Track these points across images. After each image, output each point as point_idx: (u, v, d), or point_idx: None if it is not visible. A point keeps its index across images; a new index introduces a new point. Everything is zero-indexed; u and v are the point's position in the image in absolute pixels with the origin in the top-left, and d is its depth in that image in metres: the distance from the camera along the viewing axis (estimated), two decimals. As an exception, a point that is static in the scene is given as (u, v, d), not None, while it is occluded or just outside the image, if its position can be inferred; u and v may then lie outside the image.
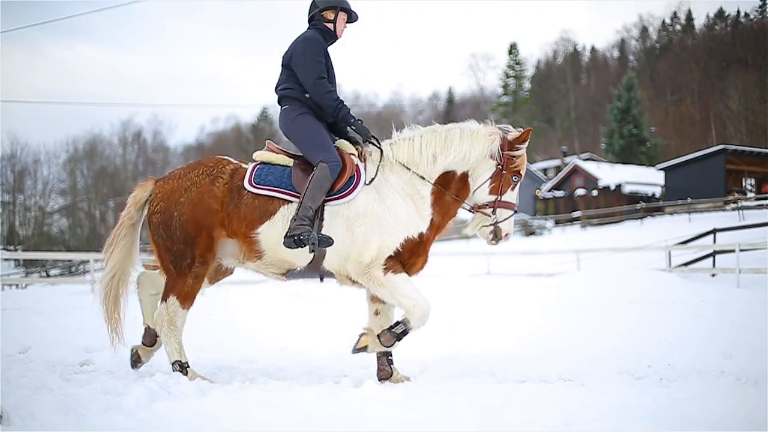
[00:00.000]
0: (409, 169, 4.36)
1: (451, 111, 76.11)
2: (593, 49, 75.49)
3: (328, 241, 4.11)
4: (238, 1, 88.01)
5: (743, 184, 38.99)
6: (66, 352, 5.33)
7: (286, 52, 4.55)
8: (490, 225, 4.39)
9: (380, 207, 4.24)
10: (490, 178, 4.38)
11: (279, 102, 4.59)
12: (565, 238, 31.61)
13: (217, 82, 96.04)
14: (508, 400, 3.52)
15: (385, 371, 4.41)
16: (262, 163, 4.41)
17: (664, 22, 70.25)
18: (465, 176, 4.41)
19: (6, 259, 29.38)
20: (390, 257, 4.19)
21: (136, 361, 4.56)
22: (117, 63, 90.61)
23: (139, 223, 4.52)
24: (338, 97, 4.38)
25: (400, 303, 4.23)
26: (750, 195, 36.29)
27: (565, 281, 13.79)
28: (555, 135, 66.97)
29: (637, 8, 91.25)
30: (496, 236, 4.41)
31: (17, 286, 21.43)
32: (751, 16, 61.27)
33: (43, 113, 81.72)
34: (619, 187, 42.87)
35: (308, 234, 4.05)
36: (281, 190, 4.26)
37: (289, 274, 4.37)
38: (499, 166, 4.37)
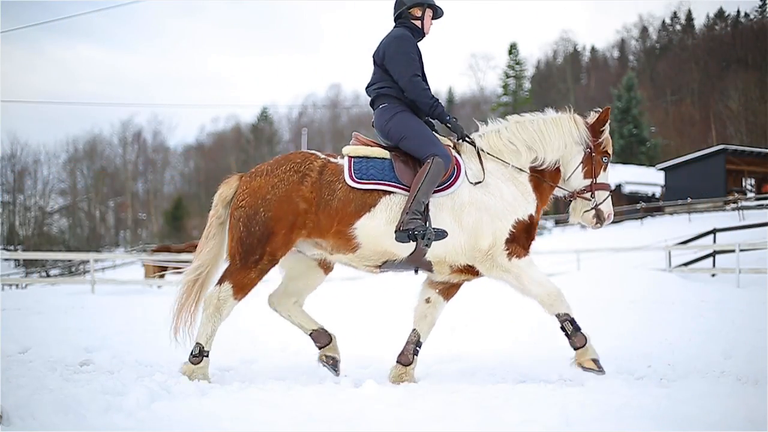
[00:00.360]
0: (502, 160, 4.41)
1: (451, 111, 75.86)
2: (593, 49, 75.48)
3: (443, 234, 4.12)
4: (238, 1, 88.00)
5: (743, 184, 39.01)
6: (66, 352, 5.33)
7: (377, 50, 4.55)
8: (591, 209, 4.49)
9: (485, 194, 4.27)
10: (582, 162, 4.50)
11: (373, 101, 4.58)
12: (565, 238, 31.59)
13: (217, 82, 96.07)
14: (508, 400, 3.52)
15: (406, 358, 4.46)
16: (358, 157, 4.35)
17: (664, 22, 70.26)
18: (556, 163, 4.50)
19: (6, 259, 29.40)
20: (510, 241, 4.21)
21: (333, 365, 4.51)
22: (117, 63, 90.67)
23: (227, 221, 4.44)
24: (433, 95, 4.40)
25: (528, 290, 4.25)
26: (750, 195, 36.29)
27: (565, 281, 13.77)
28: (555, 135, 66.82)
29: (637, 8, 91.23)
30: (600, 219, 4.52)
31: (17, 286, 21.44)
32: (751, 16, 61.28)
33: (43, 113, 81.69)
34: (619, 187, 42.86)
35: (423, 228, 4.05)
36: (386, 182, 4.23)
37: (385, 266, 4.35)
38: (587, 150, 4.48)
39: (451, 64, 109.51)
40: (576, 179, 4.52)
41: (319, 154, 4.42)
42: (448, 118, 4.42)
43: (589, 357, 4.25)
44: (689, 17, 68.40)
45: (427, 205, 4.16)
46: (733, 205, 30.60)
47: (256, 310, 10.12)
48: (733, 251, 14.68)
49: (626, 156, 49.58)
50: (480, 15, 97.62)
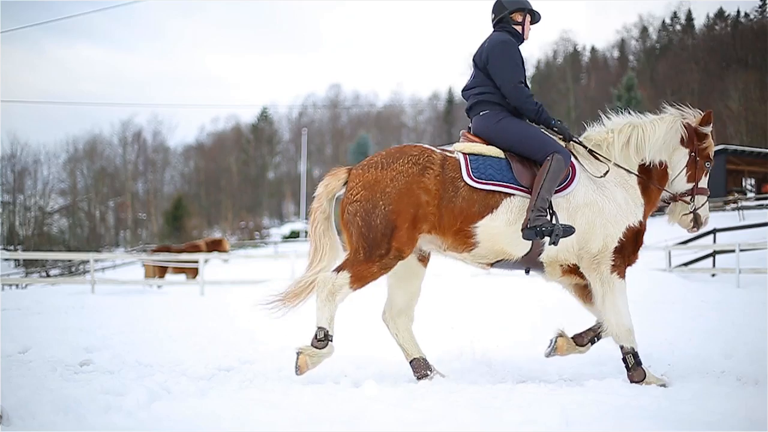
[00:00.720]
0: (611, 162, 4.39)
1: (451, 111, 76.09)
2: (593, 49, 75.46)
3: (570, 230, 4.11)
4: (238, 1, 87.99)
5: (743, 184, 38.99)
6: (66, 352, 5.33)
7: (479, 53, 4.51)
8: (690, 213, 4.55)
9: (600, 197, 4.27)
10: (686, 166, 4.52)
11: (473, 106, 4.53)
12: (565, 238, 31.50)
13: (217, 82, 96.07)
14: (508, 400, 3.52)
15: (582, 339, 4.49)
16: (473, 154, 4.30)
17: (664, 22, 70.25)
18: (663, 165, 4.50)
19: (6, 259, 29.39)
20: (617, 250, 4.23)
21: (420, 376, 4.36)
22: (117, 63, 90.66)
23: (332, 215, 4.37)
24: (537, 101, 4.38)
25: (603, 311, 4.26)
26: (750, 195, 36.27)
27: (565, 281, 13.76)
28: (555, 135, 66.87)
29: (637, 8, 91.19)
30: (697, 222, 4.59)
31: (17, 286, 21.44)
32: (751, 16, 61.28)
33: (43, 113, 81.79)
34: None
35: (549, 225, 4.03)
36: (505, 184, 4.20)
37: (497, 264, 4.35)
38: (692, 154, 4.51)
39: (451, 64, 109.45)
40: (680, 182, 4.54)
41: (434, 147, 4.36)
42: (553, 121, 4.40)
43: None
44: (689, 17, 68.40)
45: (551, 202, 4.14)
46: (733, 205, 30.59)
47: (256, 310, 10.13)
48: (733, 251, 14.68)
49: (626, 156, 49.56)
50: (480, 15, 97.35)
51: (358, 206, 4.13)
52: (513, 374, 4.51)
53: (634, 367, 4.18)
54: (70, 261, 32.21)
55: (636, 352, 4.20)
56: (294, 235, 51.62)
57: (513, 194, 4.19)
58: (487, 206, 4.15)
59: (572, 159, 4.35)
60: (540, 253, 4.24)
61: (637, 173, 4.42)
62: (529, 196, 4.19)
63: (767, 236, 16.31)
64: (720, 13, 64.29)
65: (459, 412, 3.23)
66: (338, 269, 4.14)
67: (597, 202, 4.25)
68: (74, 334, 6.74)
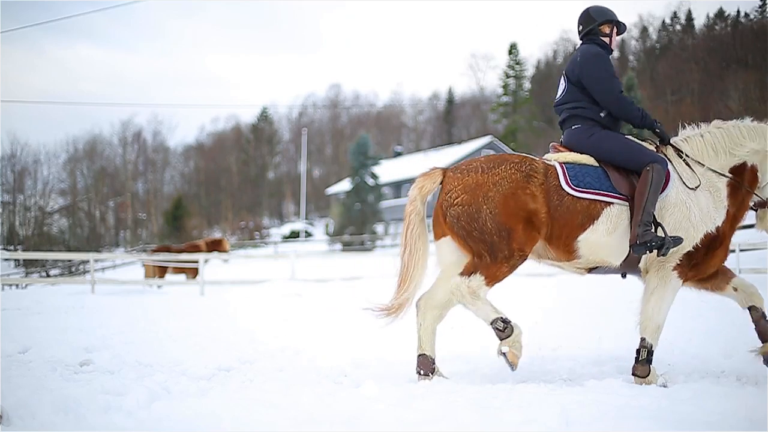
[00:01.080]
0: (703, 164, 4.41)
1: (451, 111, 76.10)
2: (593, 49, 75.31)
3: (679, 241, 4.13)
4: (238, 1, 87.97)
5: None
6: (66, 352, 5.33)
7: (572, 68, 4.55)
8: None
9: (689, 199, 4.29)
10: None
11: (565, 120, 4.58)
12: (565, 238, 31.50)
13: (217, 82, 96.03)
14: (508, 400, 3.52)
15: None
16: (568, 163, 4.31)
17: (664, 22, 70.24)
18: (754, 169, 4.50)
19: (6, 259, 29.38)
20: (688, 256, 4.24)
21: (422, 372, 4.33)
22: (117, 63, 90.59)
23: (425, 216, 4.35)
24: (639, 107, 4.44)
25: (647, 300, 4.31)
26: (750, 195, 36.21)
27: (565, 281, 13.77)
28: (555, 135, 66.87)
29: (637, 8, 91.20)
30: None
31: (17, 286, 21.43)
32: (751, 16, 61.26)
33: (43, 113, 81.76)
34: (619, 187, 42.90)
35: (659, 239, 4.05)
36: (605, 193, 4.21)
37: (595, 270, 4.38)
38: None
39: (451, 64, 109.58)
40: None
41: (533, 156, 4.37)
42: (656, 124, 4.46)
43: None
44: (689, 17, 68.40)
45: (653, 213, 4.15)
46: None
47: (256, 310, 10.14)
48: (733, 251, 14.68)
49: (626, 156, 49.61)
50: (480, 15, 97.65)
51: (459, 210, 4.11)
52: (513, 374, 4.51)
53: (642, 362, 4.19)
54: (70, 261, 32.19)
55: (652, 351, 4.22)
56: (294, 235, 51.65)
57: (612, 203, 4.21)
58: (589, 216, 4.16)
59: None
60: (639, 260, 4.27)
61: (728, 175, 4.43)
62: (626, 203, 4.21)
63: (767, 236, 16.30)
64: (720, 13, 64.28)
65: (459, 412, 3.23)
66: (467, 273, 4.09)
67: (685, 203, 4.28)
68: (74, 334, 6.74)
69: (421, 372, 4.32)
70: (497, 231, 4.04)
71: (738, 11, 62.23)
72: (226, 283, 18.19)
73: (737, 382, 4.12)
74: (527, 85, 68.81)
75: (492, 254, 4.06)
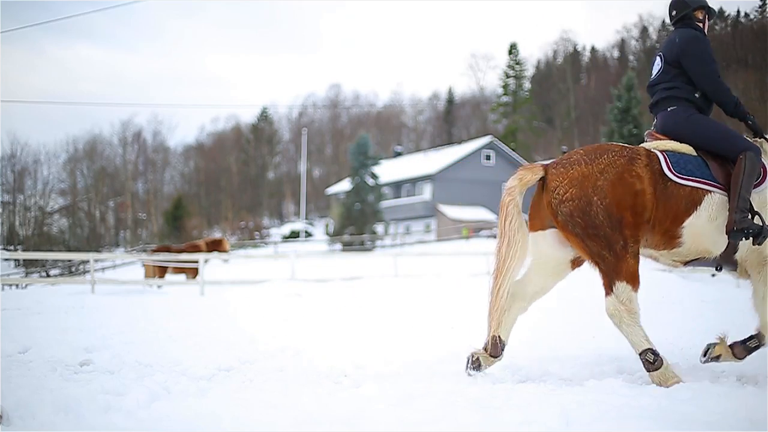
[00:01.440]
0: None
1: (451, 111, 76.08)
2: (593, 49, 75.48)
3: None
4: (238, 1, 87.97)
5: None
6: (66, 352, 5.32)
7: (670, 49, 4.52)
8: None
9: None
10: None
11: (659, 101, 4.55)
12: (565, 238, 31.45)
13: (217, 82, 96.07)
14: (508, 400, 3.52)
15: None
16: (668, 151, 4.28)
17: (664, 22, 70.15)
18: None
19: (6, 259, 29.38)
20: None
21: (476, 367, 4.35)
22: (117, 63, 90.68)
23: (521, 209, 4.31)
24: (735, 95, 4.43)
25: (765, 306, 4.26)
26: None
27: (565, 281, 13.76)
28: (555, 135, 66.94)
29: (637, 8, 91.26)
30: None
31: (17, 286, 21.42)
32: (751, 16, 61.27)
33: (43, 113, 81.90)
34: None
35: (757, 226, 4.03)
36: (705, 181, 4.18)
37: (692, 262, 4.36)
38: None
39: (451, 64, 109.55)
40: None
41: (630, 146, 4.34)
42: (748, 116, 4.45)
43: (724, 354, 4.30)
44: (689, 17, 68.27)
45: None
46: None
47: (256, 310, 10.14)
48: (733, 251, 14.67)
49: (626, 156, 49.60)
50: (480, 15, 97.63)
51: (571, 205, 4.05)
52: (513, 374, 4.51)
53: (742, 350, 4.29)
54: (70, 261, 32.20)
55: (762, 346, 4.26)
56: (294, 235, 51.66)
57: (712, 191, 4.18)
58: (692, 203, 4.13)
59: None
60: (735, 251, 4.24)
61: None
62: (724, 193, 4.19)
63: (767, 236, 16.29)
64: (720, 13, 64.26)
65: (459, 412, 3.23)
66: (608, 290, 4.06)
67: None
68: (74, 334, 6.74)
69: (490, 353, 4.33)
70: (608, 222, 3.99)
71: (738, 11, 62.24)
72: (226, 283, 18.19)
73: (737, 382, 4.11)
74: (527, 85, 68.84)
75: (610, 249, 4.01)
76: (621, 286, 4.01)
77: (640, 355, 4.00)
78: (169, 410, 3.24)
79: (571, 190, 4.06)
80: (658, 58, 4.64)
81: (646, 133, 4.68)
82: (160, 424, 3.05)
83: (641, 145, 4.46)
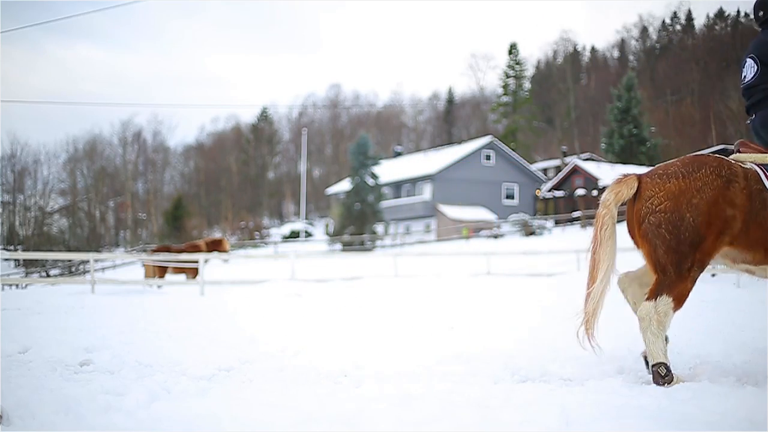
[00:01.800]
0: None
1: (451, 111, 76.08)
2: (593, 49, 75.52)
3: None
4: (238, 1, 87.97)
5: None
6: (66, 352, 5.32)
7: (764, 51, 4.52)
8: None
9: None
10: None
11: (758, 102, 4.58)
12: (565, 238, 31.58)
13: (217, 82, 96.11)
14: (508, 400, 3.52)
15: None
16: (766, 165, 4.25)
17: (664, 22, 70.29)
18: None
19: (6, 259, 29.40)
20: None
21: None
22: (117, 63, 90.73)
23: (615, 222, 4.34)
24: None
25: None
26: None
27: (565, 281, 13.79)
28: (555, 135, 66.99)
29: (637, 8, 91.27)
30: None
31: (17, 286, 21.44)
32: (751, 16, 61.35)
33: (43, 113, 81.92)
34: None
35: None
36: None
37: None
38: None
39: (451, 64, 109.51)
40: None
41: (729, 159, 4.31)
42: None
43: None
44: (689, 17, 68.44)
45: None
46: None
47: (256, 310, 10.14)
48: None
49: (626, 156, 49.62)
50: (480, 15, 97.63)
51: (662, 217, 4.06)
52: (513, 374, 4.51)
53: None
54: (70, 261, 32.20)
55: None
56: (294, 235, 51.67)
57: None
58: None
59: None
60: None
61: None
62: None
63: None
64: (720, 13, 64.35)
65: (459, 412, 3.23)
66: (653, 296, 4.08)
67: None
68: (74, 334, 6.74)
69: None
70: (691, 241, 4.01)
71: (738, 11, 62.31)
72: (226, 283, 18.19)
73: (737, 382, 4.11)
74: (527, 85, 68.84)
75: (679, 266, 4.03)
76: (665, 300, 4.04)
77: (653, 366, 4.05)
78: (169, 410, 3.24)
79: (666, 202, 4.07)
80: (750, 60, 4.61)
81: (738, 142, 4.64)
82: (160, 424, 3.05)
83: (734, 156, 4.42)
